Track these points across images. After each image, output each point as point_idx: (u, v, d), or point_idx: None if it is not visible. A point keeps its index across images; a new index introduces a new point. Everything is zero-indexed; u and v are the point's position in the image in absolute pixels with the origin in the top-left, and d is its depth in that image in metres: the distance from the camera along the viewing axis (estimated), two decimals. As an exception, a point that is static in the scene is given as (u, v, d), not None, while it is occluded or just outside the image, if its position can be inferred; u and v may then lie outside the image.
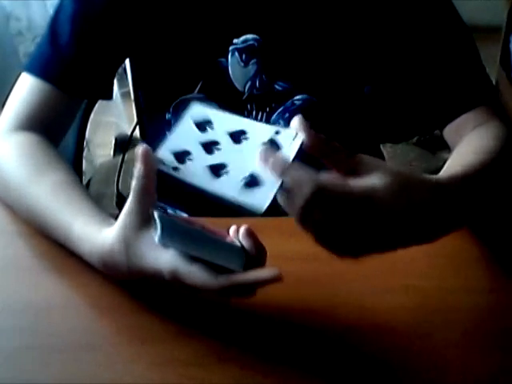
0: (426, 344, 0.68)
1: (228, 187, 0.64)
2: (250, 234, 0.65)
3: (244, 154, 0.64)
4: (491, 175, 0.79)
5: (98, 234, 0.71)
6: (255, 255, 0.64)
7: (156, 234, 0.62)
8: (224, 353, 0.66)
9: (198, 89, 0.95)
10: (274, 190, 0.62)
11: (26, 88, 0.90)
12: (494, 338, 0.70)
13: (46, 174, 0.82)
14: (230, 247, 0.63)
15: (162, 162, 0.65)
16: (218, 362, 0.65)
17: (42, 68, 0.90)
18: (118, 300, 0.72)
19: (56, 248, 0.78)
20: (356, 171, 0.63)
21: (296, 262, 0.77)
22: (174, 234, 0.62)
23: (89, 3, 0.91)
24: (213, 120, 0.67)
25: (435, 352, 0.67)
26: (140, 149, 0.64)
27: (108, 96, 0.97)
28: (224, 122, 0.68)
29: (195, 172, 0.64)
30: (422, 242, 0.66)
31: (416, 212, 0.64)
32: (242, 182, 0.63)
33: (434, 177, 0.70)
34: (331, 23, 0.93)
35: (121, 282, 0.72)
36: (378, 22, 0.94)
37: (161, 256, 0.65)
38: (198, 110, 0.68)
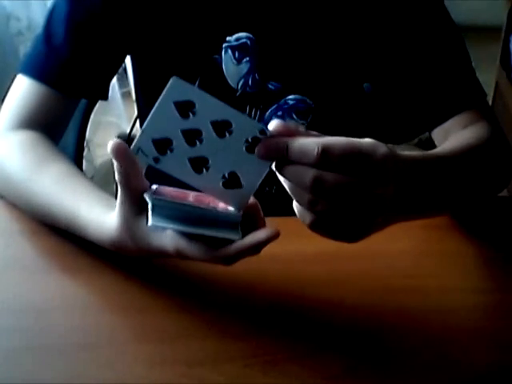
0: (426, 344, 0.68)
1: (207, 185, 0.63)
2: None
3: (225, 150, 0.62)
4: (466, 165, 0.80)
5: (106, 218, 0.72)
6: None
7: (148, 219, 0.63)
8: (224, 353, 0.66)
9: (196, 85, 0.95)
10: (252, 193, 0.62)
11: (22, 89, 0.90)
12: (494, 337, 0.70)
13: (48, 165, 0.82)
14: (225, 217, 0.63)
15: (142, 151, 0.61)
16: (219, 361, 0.65)
17: (36, 69, 0.90)
18: (118, 300, 0.72)
19: (57, 247, 0.78)
20: None
21: (298, 262, 0.77)
22: (165, 217, 0.62)
23: (82, 3, 0.90)
24: (196, 102, 0.62)
25: (436, 352, 0.67)
26: (112, 145, 0.62)
27: (103, 96, 0.96)
28: (208, 107, 0.62)
29: (176, 164, 0.62)
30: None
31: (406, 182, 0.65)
32: (221, 182, 0.62)
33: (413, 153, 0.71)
34: (324, 24, 0.94)
35: (121, 281, 0.72)
36: (370, 22, 0.94)
37: (164, 235, 0.65)
38: (179, 89, 0.61)
